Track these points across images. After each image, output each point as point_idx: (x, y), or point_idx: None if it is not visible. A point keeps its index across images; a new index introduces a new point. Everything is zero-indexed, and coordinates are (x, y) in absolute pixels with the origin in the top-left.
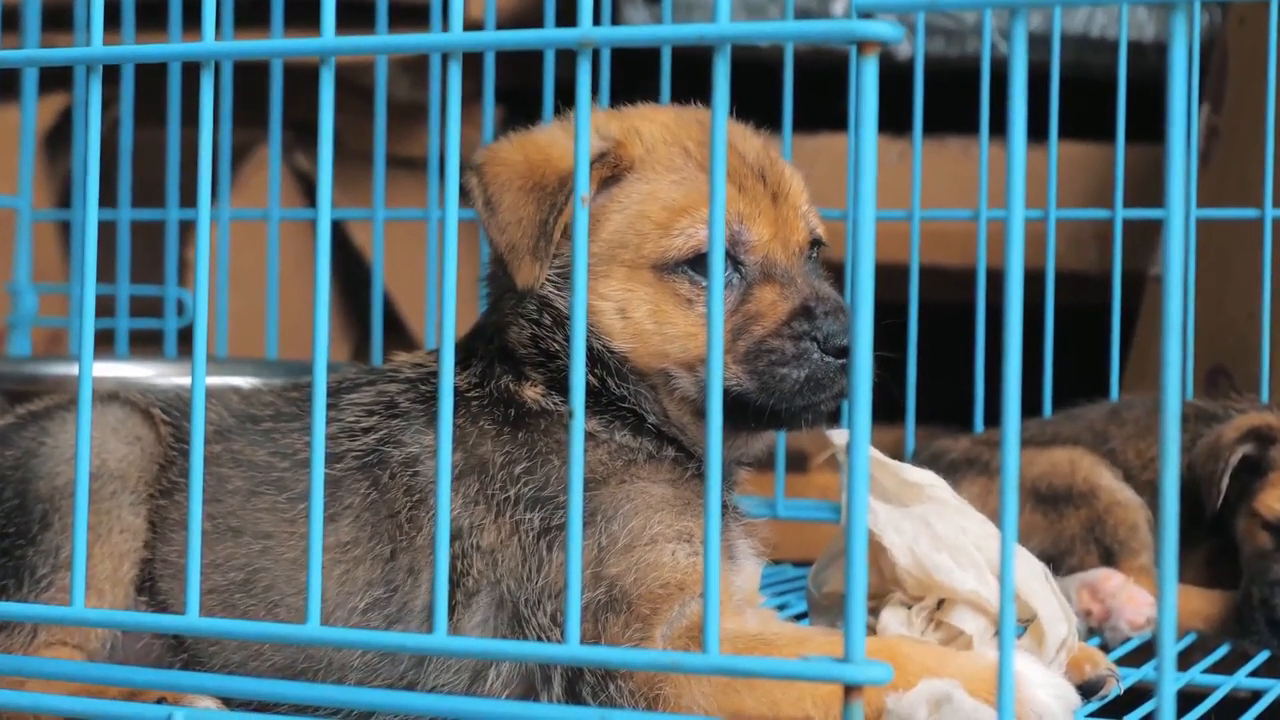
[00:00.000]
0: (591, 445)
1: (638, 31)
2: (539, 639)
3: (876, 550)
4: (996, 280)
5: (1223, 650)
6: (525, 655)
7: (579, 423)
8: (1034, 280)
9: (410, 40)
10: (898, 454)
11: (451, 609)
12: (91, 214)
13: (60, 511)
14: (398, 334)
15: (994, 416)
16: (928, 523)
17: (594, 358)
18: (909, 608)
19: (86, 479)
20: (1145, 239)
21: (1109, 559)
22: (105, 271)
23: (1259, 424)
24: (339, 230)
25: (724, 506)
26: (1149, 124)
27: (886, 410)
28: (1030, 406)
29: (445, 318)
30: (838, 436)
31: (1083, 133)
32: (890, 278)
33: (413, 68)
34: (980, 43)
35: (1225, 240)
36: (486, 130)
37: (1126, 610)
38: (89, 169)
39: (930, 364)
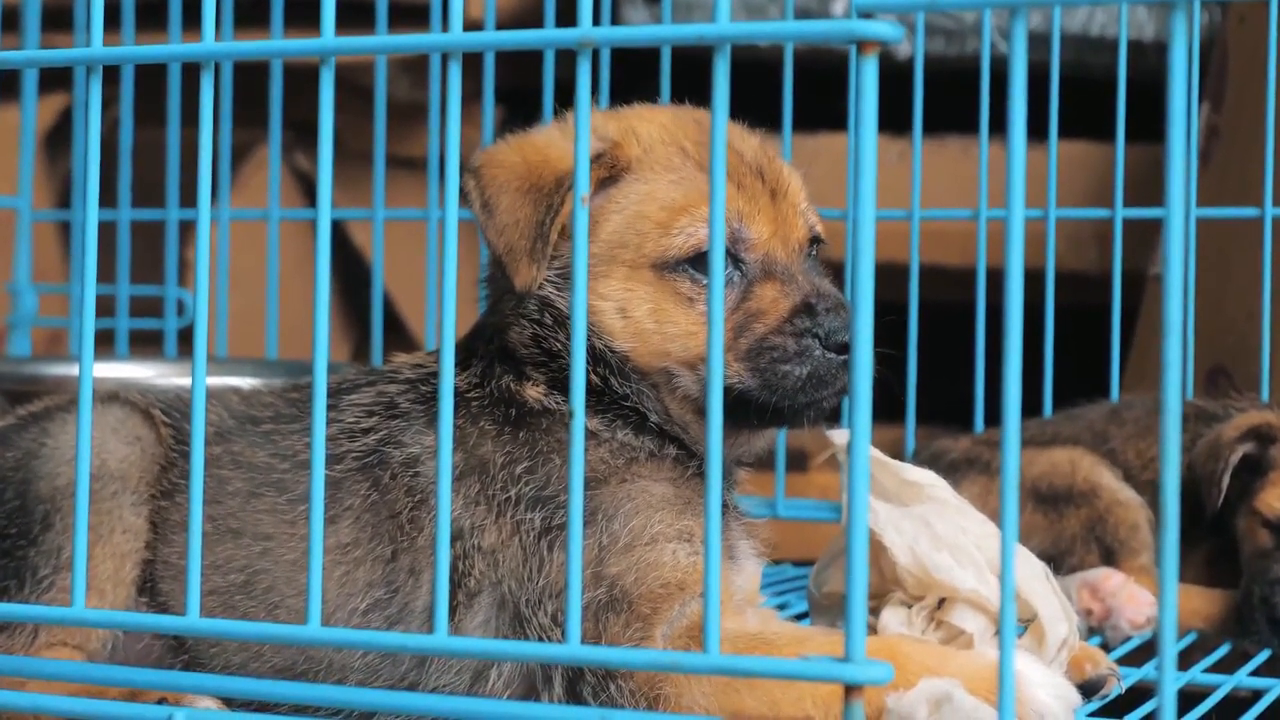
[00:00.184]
0: (593, 444)
1: (638, 32)
2: (540, 639)
3: (877, 550)
4: (996, 280)
5: (1223, 649)
6: (526, 655)
7: (579, 422)
8: (1034, 280)
9: (410, 40)
10: (898, 454)
11: (453, 609)
12: (92, 214)
13: (61, 512)
14: (398, 334)
15: (994, 416)
16: (928, 522)
17: (596, 357)
18: (909, 607)
19: (87, 479)
20: (1145, 238)
21: (1109, 558)
22: (105, 272)
23: (1259, 423)
24: (339, 230)
25: (724, 506)
26: (1149, 123)
27: (887, 410)
28: (1030, 406)
29: (445, 318)
30: (838, 436)
31: (1082, 132)
32: (890, 277)
33: (413, 68)
34: (980, 42)
35: (1225, 239)
36: (486, 130)
37: (1127, 609)
38: (89, 169)
39: (930, 364)
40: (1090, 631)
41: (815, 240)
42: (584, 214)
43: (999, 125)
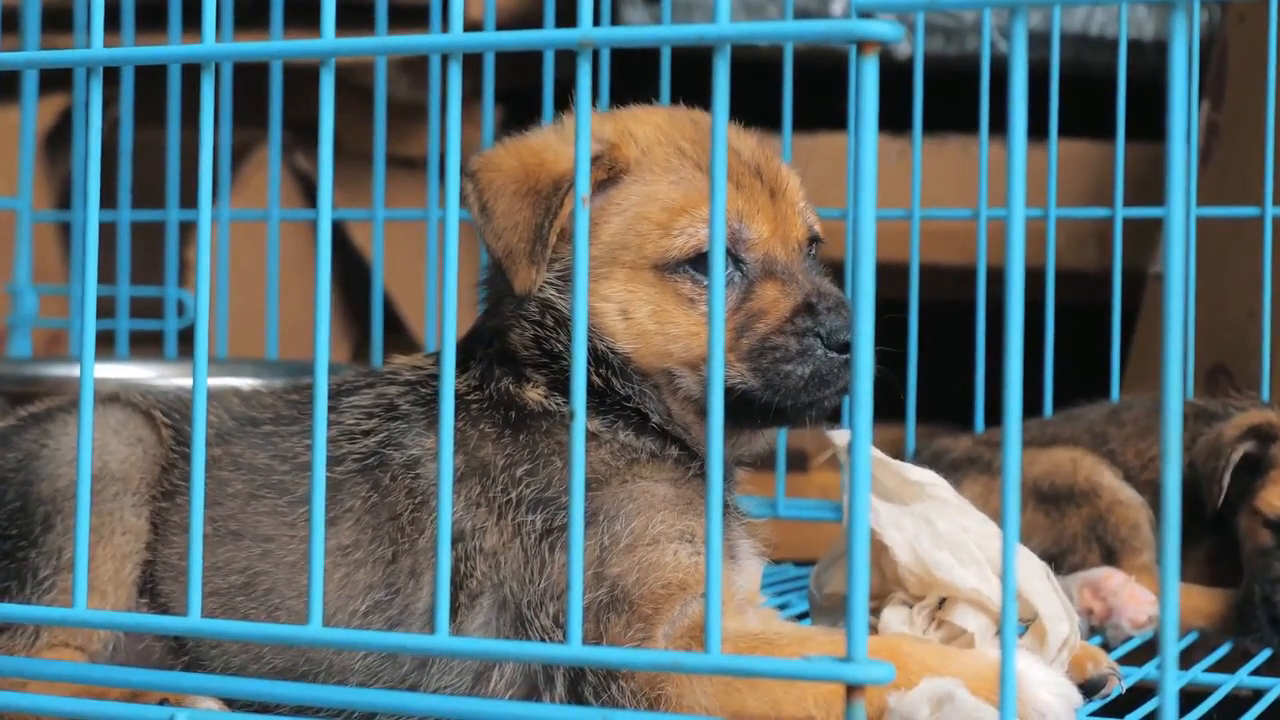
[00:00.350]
0: (594, 445)
1: (638, 32)
2: (541, 640)
3: (878, 550)
4: (997, 279)
5: (1224, 649)
6: (528, 656)
7: (580, 423)
8: (1034, 279)
9: (410, 41)
10: (898, 453)
11: (454, 611)
12: (92, 215)
13: (62, 513)
14: (398, 334)
15: (994, 416)
16: (929, 520)
17: (598, 358)
18: (910, 607)
19: (88, 480)
20: (1145, 237)
21: (1110, 558)
22: (105, 272)
23: (1259, 422)
24: (339, 230)
25: (725, 506)
26: (1148, 122)
27: (887, 409)
28: (1030, 405)
29: (446, 318)
30: (838, 436)
31: (1082, 131)
32: (890, 277)
33: (412, 68)
34: (979, 41)
35: (1225, 238)
36: (487, 130)
37: (1128, 608)
38: (89, 170)
39: (931, 363)
40: (1091, 631)
41: (814, 239)
42: (584, 215)
43: (999, 124)
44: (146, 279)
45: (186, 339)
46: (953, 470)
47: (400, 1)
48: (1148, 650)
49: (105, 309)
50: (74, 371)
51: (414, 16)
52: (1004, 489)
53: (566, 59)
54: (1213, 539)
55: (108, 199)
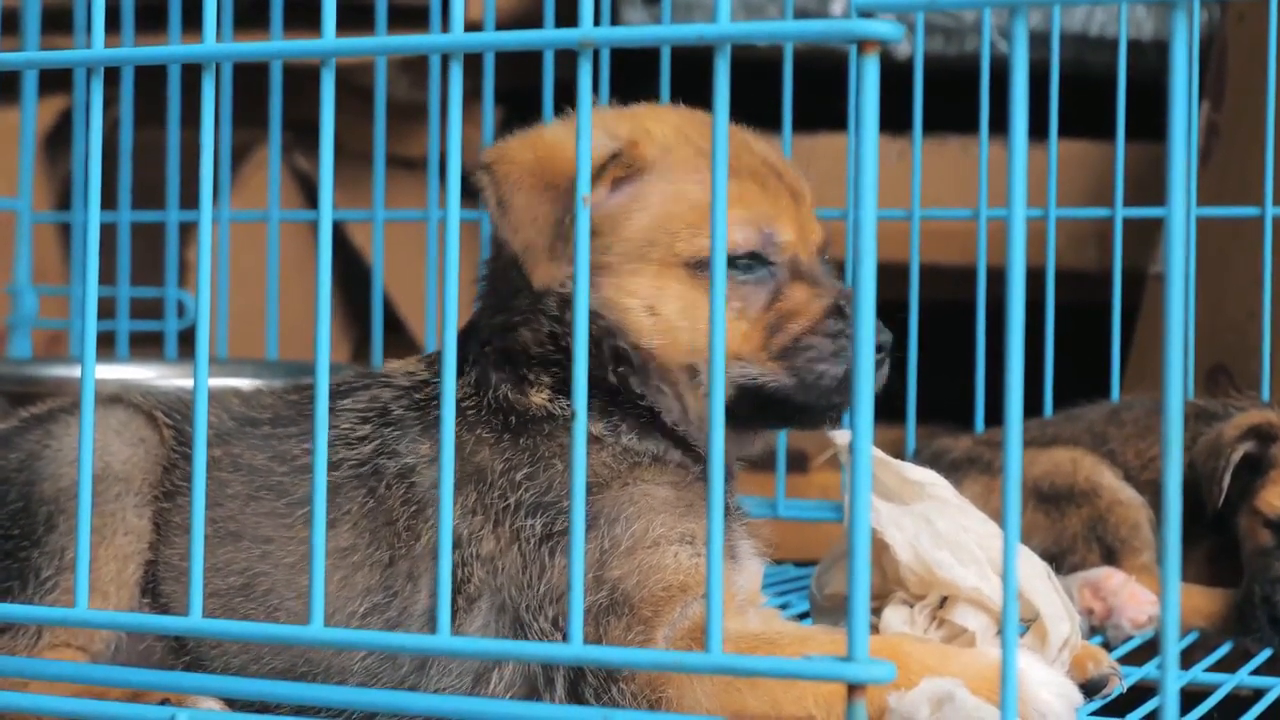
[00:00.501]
0: (596, 448)
1: (638, 32)
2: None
3: (879, 550)
4: (997, 279)
5: (1225, 648)
6: (529, 655)
7: (581, 422)
8: (1034, 279)
9: (411, 41)
10: (899, 453)
11: (452, 614)
12: (93, 216)
13: (65, 513)
14: (398, 334)
15: (994, 416)
16: (929, 520)
17: (618, 356)
18: (911, 606)
19: (90, 480)
20: (1145, 237)
21: (1110, 558)
22: (105, 273)
23: (1260, 422)
24: (338, 231)
25: (726, 507)
26: (1148, 122)
27: (887, 409)
28: (1031, 405)
29: (446, 318)
30: (839, 436)
31: (1082, 131)
32: (890, 277)
33: (412, 68)
34: (979, 41)
35: (1225, 238)
36: (487, 130)
37: (1128, 608)
38: (90, 171)
39: (931, 363)
40: (1092, 630)
41: (826, 243)
42: (585, 215)
43: (999, 124)
44: (146, 280)
45: (187, 340)
46: (953, 470)
47: (400, 2)
48: (1148, 650)
49: (105, 310)
50: (74, 372)
51: (414, 17)
52: (1005, 489)
53: (566, 59)
54: (1213, 539)
55: (108, 199)
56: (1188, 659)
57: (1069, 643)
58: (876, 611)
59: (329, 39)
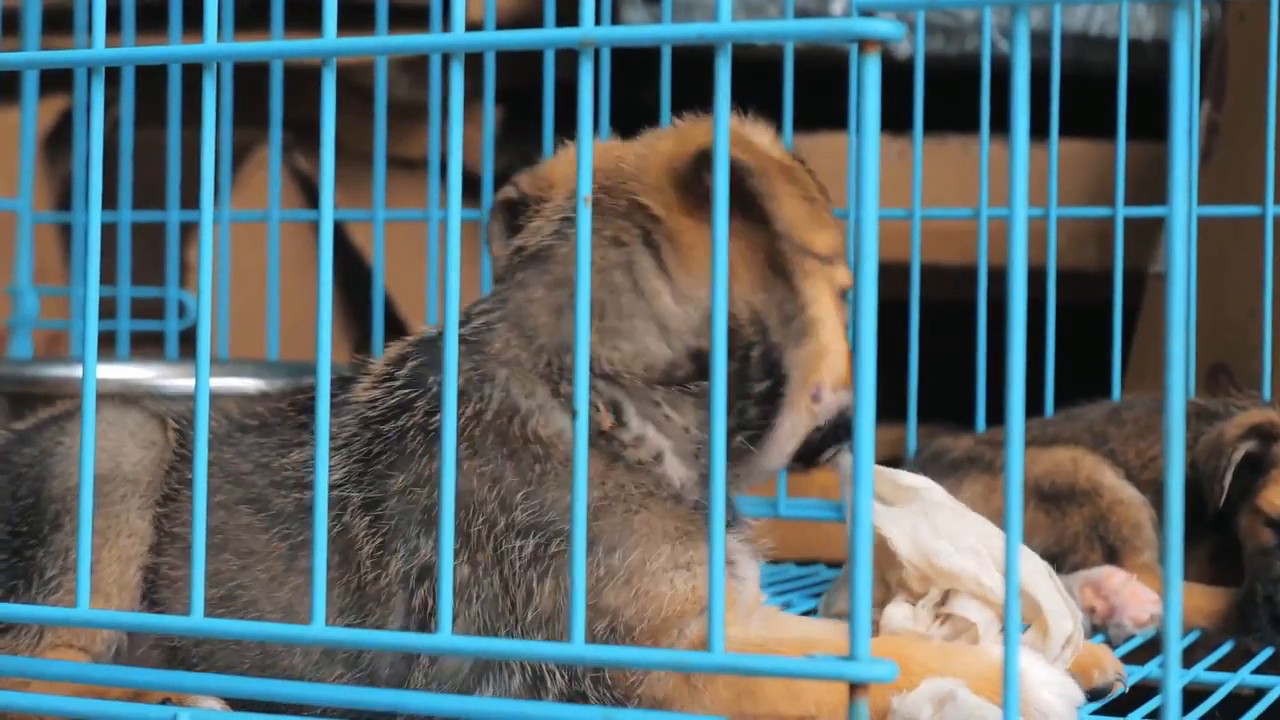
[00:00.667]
0: (621, 467)
1: (639, 31)
2: (526, 673)
3: (881, 559)
4: (997, 279)
5: (1226, 647)
6: (530, 654)
7: (583, 422)
8: (1035, 278)
9: (411, 41)
10: (899, 453)
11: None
12: (94, 216)
13: (71, 513)
14: (398, 334)
15: (995, 415)
16: (926, 515)
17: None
18: (913, 605)
19: (91, 480)
20: (1145, 237)
21: (1112, 557)
22: (106, 273)
23: (1261, 421)
24: (339, 231)
25: (729, 520)
26: (1149, 121)
27: (887, 409)
28: (1031, 405)
29: (447, 318)
30: (845, 460)
31: (1082, 130)
32: (891, 276)
33: (412, 67)
34: (980, 40)
35: (1226, 237)
36: (487, 130)
37: (1130, 607)
38: (91, 171)
39: (931, 363)
40: (1093, 629)
41: None
42: (586, 214)
43: (999, 124)
44: (147, 280)
45: (187, 340)
46: (954, 470)
47: (401, 1)
48: (1149, 649)
49: (106, 310)
50: (75, 372)
51: (414, 16)
52: (1007, 488)
53: (567, 58)
54: (1214, 538)
55: (108, 200)
56: (1189, 658)
57: (1072, 641)
58: (879, 605)
59: (330, 39)
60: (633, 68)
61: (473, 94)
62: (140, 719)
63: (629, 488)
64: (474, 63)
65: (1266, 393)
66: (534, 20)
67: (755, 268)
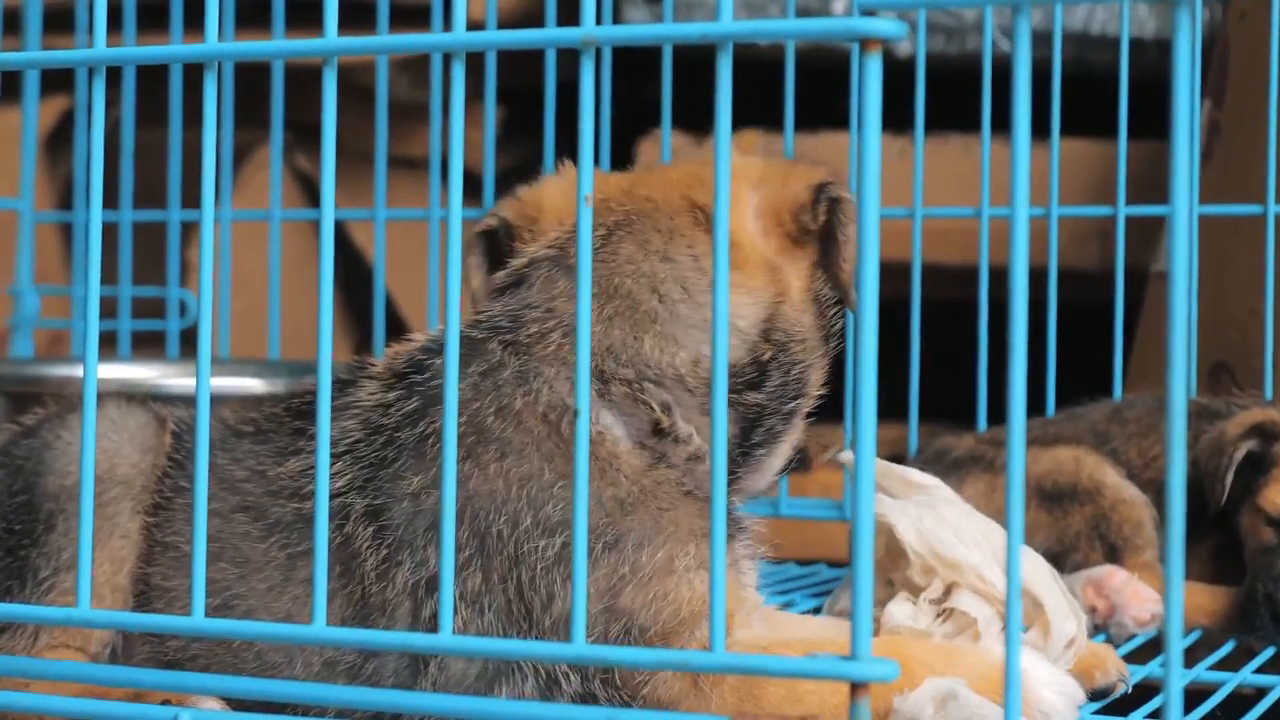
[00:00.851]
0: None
1: (640, 30)
2: (539, 677)
3: (887, 557)
4: (998, 278)
5: (1227, 647)
6: (531, 654)
7: (584, 421)
8: (1036, 278)
9: (412, 40)
10: (900, 452)
11: (433, 656)
12: (96, 216)
13: (64, 513)
14: (399, 334)
15: (997, 415)
16: (932, 506)
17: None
18: (914, 603)
19: (91, 479)
20: (1147, 236)
21: (1113, 556)
22: (107, 273)
23: (1262, 420)
24: (340, 230)
25: (732, 522)
26: (1149, 120)
27: (888, 409)
28: (1033, 405)
29: (449, 318)
30: (846, 458)
31: (1083, 130)
32: (892, 276)
33: (412, 67)
34: (980, 40)
35: (1227, 236)
36: (488, 130)
37: (1131, 606)
38: (92, 171)
39: (932, 362)
40: (1095, 629)
41: None
42: (588, 213)
43: (1000, 123)
44: (148, 279)
45: (188, 339)
46: (955, 469)
47: (401, 1)
48: (1151, 648)
49: (107, 309)
50: (76, 372)
51: (415, 16)
52: (1009, 487)
53: (568, 58)
54: (1215, 537)
55: (109, 199)
56: (1190, 657)
57: (1075, 642)
58: (882, 604)
59: (331, 38)
60: (634, 67)
61: (474, 94)
62: (141, 719)
63: (666, 485)
64: (475, 62)
65: (1268, 391)
66: (535, 20)
67: (810, 292)
